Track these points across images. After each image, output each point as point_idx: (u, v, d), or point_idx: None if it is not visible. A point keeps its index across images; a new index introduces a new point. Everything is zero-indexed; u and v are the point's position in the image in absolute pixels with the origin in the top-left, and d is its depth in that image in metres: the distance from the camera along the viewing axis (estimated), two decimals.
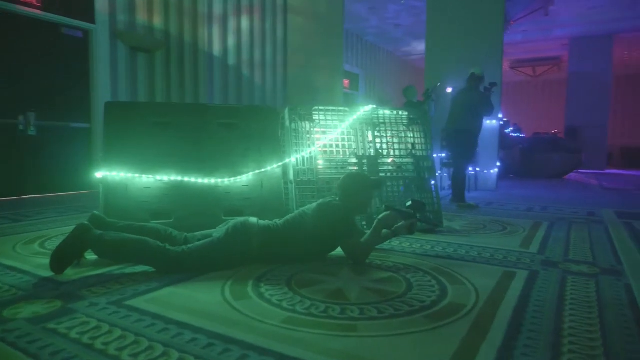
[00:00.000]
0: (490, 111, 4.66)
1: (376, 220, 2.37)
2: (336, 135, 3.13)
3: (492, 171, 6.19)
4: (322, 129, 3.13)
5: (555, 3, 9.46)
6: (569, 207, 4.67)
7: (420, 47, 13.09)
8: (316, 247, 2.38)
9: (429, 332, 1.50)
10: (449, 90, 6.42)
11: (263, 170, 2.93)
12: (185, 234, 2.44)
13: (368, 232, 2.39)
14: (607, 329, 1.53)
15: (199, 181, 2.79)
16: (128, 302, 1.75)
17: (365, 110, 3.25)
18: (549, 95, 16.61)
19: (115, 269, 2.19)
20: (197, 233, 2.46)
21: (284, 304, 1.75)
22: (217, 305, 1.73)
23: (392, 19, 10.49)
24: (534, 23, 10.60)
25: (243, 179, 2.89)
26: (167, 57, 6.04)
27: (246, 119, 3.04)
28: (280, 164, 2.98)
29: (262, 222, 2.39)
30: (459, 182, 4.58)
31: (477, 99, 4.65)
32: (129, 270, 2.19)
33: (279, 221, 2.43)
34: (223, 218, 2.77)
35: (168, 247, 2.19)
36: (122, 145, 2.68)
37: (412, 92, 6.18)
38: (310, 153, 3.03)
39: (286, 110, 3.10)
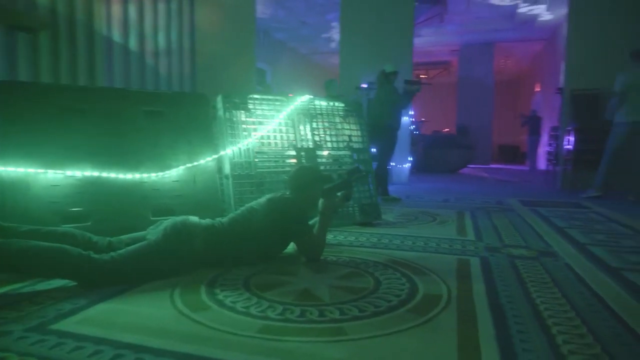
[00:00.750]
0: (407, 105, 4.80)
1: (320, 211, 2.24)
2: (274, 126, 2.93)
3: (404, 165, 6.44)
4: (259, 119, 2.90)
5: (449, 12, 10.23)
6: (478, 197, 5.01)
7: (325, 45, 13.29)
8: (268, 246, 2.17)
9: (422, 327, 1.41)
10: (364, 86, 6.53)
11: (195, 163, 2.62)
12: (109, 238, 2.06)
13: (316, 225, 2.25)
14: (576, 307, 1.58)
15: (121, 177, 2.41)
16: (54, 327, 1.39)
17: (302, 100, 3.10)
18: (444, 96, 17.98)
19: (23, 286, 1.77)
20: (123, 237, 2.10)
21: (253, 311, 1.53)
22: (174, 320, 1.45)
23: (300, 15, 10.46)
24: (429, 29, 11.35)
25: (173, 174, 2.56)
26: (54, 38, 5.24)
27: (174, 106, 2.70)
28: (214, 156, 2.70)
29: (204, 220, 2.11)
30: (382, 176, 4.65)
31: (391, 93, 4.76)
32: (42, 286, 1.78)
33: (223, 219, 2.17)
34: (151, 219, 2.42)
35: (92, 254, 1.82)
36: (21, 135, 2.19)
37: (334, 86, 6.15)
38: (247, 145, 2.80)
39: (219, 98, 2.82)
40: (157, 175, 2.51)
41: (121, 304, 1.59)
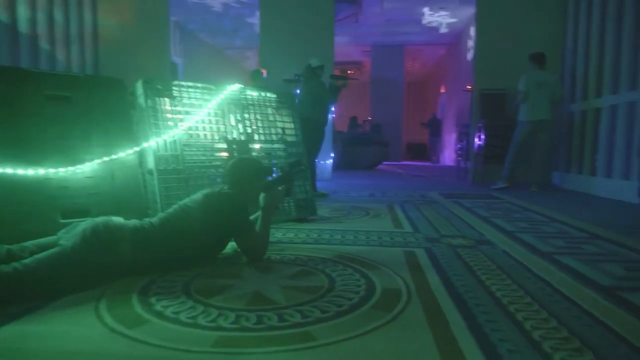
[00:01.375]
0: (333, 100, 4.77)
1: (261, 206, 2.07)
2: (202, 116, 2.68)
3: (327, 162, 6.43)
4: (186, 108, 2.63)
5: (363, 12, 10.48)
6: (402, 192, 5.14)
7: (240, 41, 12.92)
8: (206, 247, 1.95)
9: (392, 325, 1.32)
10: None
11: (114, 156, 2.29)
12: (7, 246, 1.70)
13: (258, 221, 2.08)
14: (530, 293, 1.60)
15: (20, 172, 2.01)
16: None
17: (232, 89, 2.88)
18: (357, 95, 18.44)
19: None
20: (26, 244, 1.75)
21: (202, 322, 1.33)
22: (106, 340, 1.20)
23: (215, 8, 10.01)
24: (344, 28, 11.54)
25: (86, 169, 2.21)
26: None
27: (84, 91, 2.34)
28: (136, 149, 2.38)
29: (130, 222, 1.83)
30: (310, 171, 4.55)
31: (319, 88, 4.70)
32: None
33: (152, 220, 1.91)
34: (61, 221, 2.06)
35: None
36: None
37: (260, 77, 5.90)
38: (174, 136, 2.52)
39: (139, 84, 2.50)
40: (66, 171, 2.14)
41: (32, 324, 1.30)
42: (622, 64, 4.55)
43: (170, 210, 1.96)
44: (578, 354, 1.14)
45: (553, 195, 4.90)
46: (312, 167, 4.61)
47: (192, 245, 1.88)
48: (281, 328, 1.28)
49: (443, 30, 11.67)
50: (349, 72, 4.99)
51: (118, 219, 1.81)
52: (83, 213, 2.14)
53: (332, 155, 6.63)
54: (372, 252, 2.19)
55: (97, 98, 2.38)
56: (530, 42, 6.03)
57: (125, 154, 2.34)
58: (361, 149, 10.16)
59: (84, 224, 1.73)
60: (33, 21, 5.52)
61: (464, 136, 6.79)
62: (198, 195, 1.97)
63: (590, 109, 5.18)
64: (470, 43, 10.85)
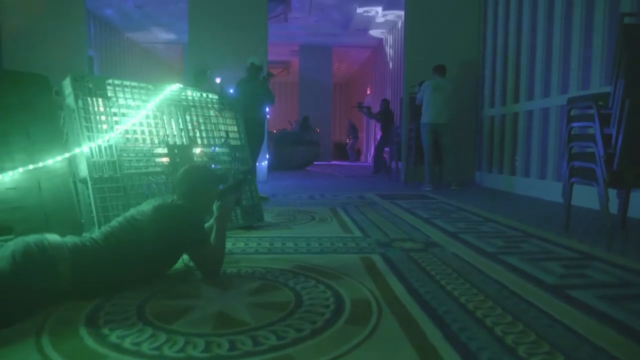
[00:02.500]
0: (272, 100, 4.70)
1: (215, 215, 1.96)
2: (140, 119, 2.47)
3: (263, 164, 6.31)
4: (122, 110, 2.41)
5: (292, 11, 10.44)
6: (340, 193, 5.18)
7: (163, 35, 12.26)
8: (157, 264, 1.79)
9: (372, 340, 1.29)
10: (218, 80, 6.18)
11: (40, 164, 2.03)
12: None
13: (212, 232, 1.96)
14: (491, 297, 1.67)
15: None
16: None
17: (171, 89, 2.69)
18: (284, 95, 18.33)
19: None
20: None
21: (168, 352, 1.20)
22: None
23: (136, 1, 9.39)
24: (272, 28, 11.42)
25: (6, 179, 1.93)
26: None
27: (1, 88, 2.04)
28: (66, 155, 2.13)
29: (68, 239, 1.63)
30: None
31: (259, 88, 4.61)
32: None
33: (94, 235, 1.72)
34: None
35: None
36: None
37: (205, 78, 5.52)
38: (109, 141, 2.29)
39: (66, 81, 2.24)
40: None
41: None
42: (535, 73, 4.97)
43: (115, 223, 1.77)
44: (551, 357, 1.19)
45: (477, 193, 5.23)
46: (253, 168, 4.49)
47: (142, 262, 1.71)
48: (260, 353, 1.20)
49: (370, 32, 11.99)
50: (275, 72, 4.98)
51: (53, 237, 1.59)
52: (5, 230, 1.87)
53: (267, 157, 6.51)
54: (330, 261, 2.16)
55: (17, 96, 2.09)
56: (453, 48, 6.40)
57: (54, 161, 2.08)
58: (291, 150, 10.13)
59: (12, 245, 1.51)
60: None
61: (395, 137, 7.02)
62: (147, 207, 1.80)
63: (509, 113, 5.61)
64: (391, 51, 11.27)
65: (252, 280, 1.85)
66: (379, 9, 10.14)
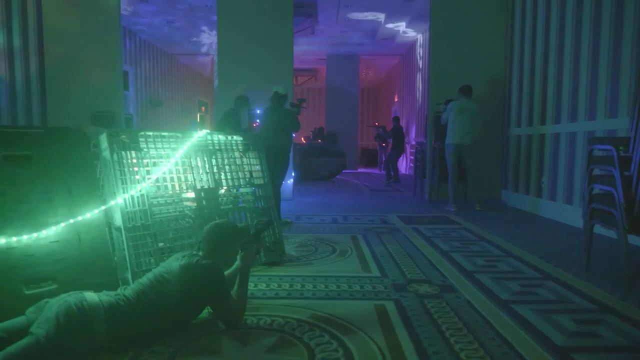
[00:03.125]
0: (298, 128, 4.82)
1: (239, 266, 2.10)
2: (170, 167, 2.64)
3: (289, 181, 6.45)
4: (153, 160, 2.59)
5: (320, 23, 10.56)
6: (362, 215, 5.27)
7: (194, 47, 12.63)
8: (183, 318, 1.94)
9: None
10: (258, 112, 6.34)
11: (80, 218, 2.22)
12: None
13: (236, 283, 2.10)
14: (490, 354, 1.74)
15: None
16: None
17: (199, 136, 2.85)
18: (311, 102, 18.51)
19: None
20: None
21: None
22: None
23: (166, 15, 9.74)
24: (299, 38, 11.58)
25: (51, 233, 2.12)
26: None
27: (44, 147, 2.24)
28: (102, 207, 2.32)
29: (104, 297, 1.80)
30: (275, 199, 4.57)
31: (285, 116, 4.73)
32: None
33: (126, 292, 1.88)
34: (25, 293, 1.98)
35: None
36: None
37: (246, 104, 5.64)
38: (141, 190, 2.47)
39: (103, 137, 2.43)
40: (29, 237, 2.05)
41: None
42: (562, 96, 4.91)
43: (145, 280, 1.93)
44: None
45: (501, 217, 5.20)
46: (277, 195, 4.63)
47: (170, 317, 1.87)
48: None
49: (397, 41, 11.99)
50: (303, 104, 5.05)
51: (91, 297, 1.77)
52: (48, 280, 2.06)
53: (293, 174, 6.65)
54: (345, 308, 2.27)
55: (59, 154, 2.29)
56: (479, 66, 6.38)
57: (92, 213, 2.27)
58: (317, 161, 10.27)
59: (55, 306, 1.68)
60: None
61: (419, 154, 7.04)
62: (174, 266, 1.95)
63: (535, 134, 5.54)
64: (420, 60, 11.23)
65: (270, 333, 1.97)
66: (403, 24, 10.15)
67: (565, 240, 3.94)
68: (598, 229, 3.05)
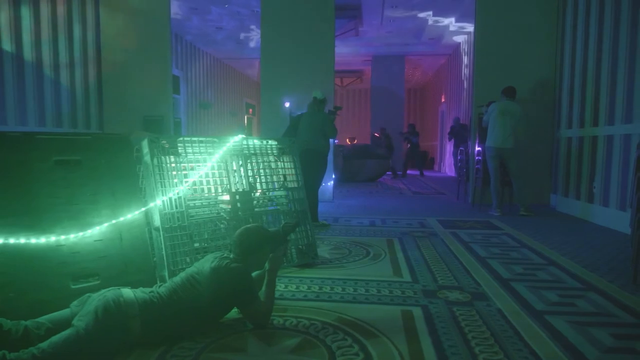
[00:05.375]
0: (334, 133, 4.84)
1: (268, 268, 2.17)
2: (206, 170, 2.76)
3: (329, 183, 6.51)
4: (190, 164, 2.72)
5: (364, 25, 10.54)
6: (401, 218, 5.22)
7: (240, 50, 12.98)
8: (212, 316, 2.04)
9: None
10: (287, 105, 6.50)
11: (122, 218, 2.38)
12: (24, 322, 1.79)
13: (264, 284, 2.17)
14: None
15: (32, 241, 2.10)
16: None
17: (235, 141, 2.96)
18: (357, 103, 18.55)
19: None
20: (42, 319, 1.84)
21: None
22: None
23: (214, 21, 10.09)
24: (344, 40, 11.61)
25: (95, 233, 2.29)
26: None
27: (92, 152, 2.42)
28: (143, 209, 2.47)
29: (139, 294, 1.92)
30: (312, 202, 4.63)
31: (322, 121, 4.78)
32: None
33: (160, 290, 2.00)
34: (72, 287, 2.15)
35: (8, 355, 1.57)
36: None
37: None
38: (179, 193, 2.60)
39: (145, 142, 2.58)
40: (76, 236, 2.23)
41: None
42: (617, 96, 4.62)
43: (178, 280, 2.04)
44: None
45: (548, 222, 4.97)
46: (314, 197, 4.69)
47: (199, 316, 1.97)
48: None
49: (444, 41, 11.74)
50: (338, 112, 5.04)
51: (128, 293, 1.90)
52: (92, 276, 2.22)
53: (333, 176, 6.70)
54: (371, 313, 2.27)
55: (104, 159, 2.46)
56: (527, 65, 6.14)
57: (133, 215, 2.42)
58: (361, 162, 10.25)
59: (96, 301, 1.82)
60: (38, 47, 5.61)
61: (463, 155, 6.87)
62: (206, 268, 2.04)
63: (587, 136, 5.26)
64: (465, 60, 10.92)
65: (294, 334, 2.02)
66: (452, 19, 9.91)
67: (615, 249, 3.72)
68: None
